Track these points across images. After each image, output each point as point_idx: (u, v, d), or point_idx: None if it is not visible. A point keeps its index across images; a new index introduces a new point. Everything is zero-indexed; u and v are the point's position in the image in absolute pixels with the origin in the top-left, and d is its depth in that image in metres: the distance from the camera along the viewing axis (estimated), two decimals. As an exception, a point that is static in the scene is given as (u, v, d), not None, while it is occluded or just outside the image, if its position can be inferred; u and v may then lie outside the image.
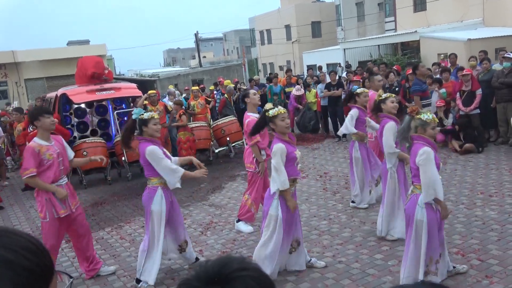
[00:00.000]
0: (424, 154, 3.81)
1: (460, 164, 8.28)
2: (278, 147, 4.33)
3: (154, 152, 4.51)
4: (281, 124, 4.35)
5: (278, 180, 4.32)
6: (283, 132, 4.39)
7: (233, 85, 14.19)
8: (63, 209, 4.76)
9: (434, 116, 4.02)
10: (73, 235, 5.04)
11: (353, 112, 6.50)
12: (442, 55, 17.81)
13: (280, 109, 4.44)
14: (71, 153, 5.08)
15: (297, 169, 4.51)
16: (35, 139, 4.72)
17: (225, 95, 12.76)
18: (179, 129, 10.19)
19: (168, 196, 4.74)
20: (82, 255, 5.10)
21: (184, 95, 15.25)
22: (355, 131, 6.44)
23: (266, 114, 4.45)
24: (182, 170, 4.58)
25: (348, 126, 6.48)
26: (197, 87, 12.66)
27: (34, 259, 0.97)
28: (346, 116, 11.40)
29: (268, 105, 4.56)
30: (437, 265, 4.02)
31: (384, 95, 5.54)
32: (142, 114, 4.64)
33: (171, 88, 15.60)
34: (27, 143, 8.71)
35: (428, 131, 3.93)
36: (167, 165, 4.55)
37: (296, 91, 12.33)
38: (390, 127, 5.17)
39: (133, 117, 4.72)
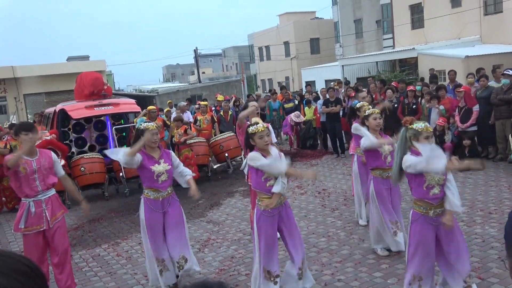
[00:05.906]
0: (407, 162, 3.79)
1: (459, 181, 8.24)
2: (251, 154, 4.27)
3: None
4: (259, 142, 4.22)
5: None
6: (262, 149, 4.26)
7: (224, 100, 13.93)
8: (34, 224, 4.64)
9: (427, 125, 3.94)
10: (51, 252, 4.87)
11: (356, 125, 6.22)
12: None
13: (259, 127, 4.24)
14: (59, 171, 4.95)
15: (266, 186, 4.25)
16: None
17: (221, 112, 12.76)
18: (181, 147, 10.13)
19: (156, 207, 4.80)
20: (57, 273, 4.87)
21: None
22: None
23: (247, 129, 4.35)
24: None
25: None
26: (206, 103, 12.65)
27: (27, 282, 0.94)
28: (344, 131, 11.56)
29: (254, 119, 4.51)
30: (420, 282, 3.90)
31: (367, 112, 5.41)
32: (141, 124, 4.80)
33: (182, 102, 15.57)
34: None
35: (421, 140, 3.87)
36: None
37: (295, 117, 12.10)
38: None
39: (136, 125, 4.92)
